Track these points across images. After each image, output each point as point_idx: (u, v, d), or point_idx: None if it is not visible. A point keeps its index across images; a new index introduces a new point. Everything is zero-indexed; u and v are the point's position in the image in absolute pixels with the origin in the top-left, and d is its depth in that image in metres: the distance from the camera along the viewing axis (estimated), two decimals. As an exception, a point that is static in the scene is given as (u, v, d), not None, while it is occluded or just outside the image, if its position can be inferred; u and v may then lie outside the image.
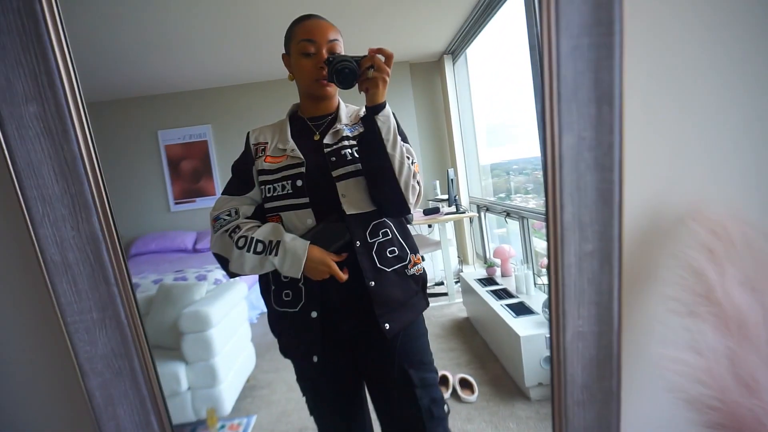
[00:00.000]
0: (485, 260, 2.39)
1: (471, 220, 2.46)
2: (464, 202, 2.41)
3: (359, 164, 0.95)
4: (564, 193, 0.67)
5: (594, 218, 0.67)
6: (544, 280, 1.76)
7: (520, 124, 1.96)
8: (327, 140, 0.97)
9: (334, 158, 0.95)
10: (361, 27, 1.70)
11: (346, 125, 1.00)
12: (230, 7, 1.74)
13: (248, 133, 1.05)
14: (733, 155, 0.76)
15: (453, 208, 2.26)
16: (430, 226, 2.39)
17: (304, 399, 1.08)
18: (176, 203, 2.26)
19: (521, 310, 1.85)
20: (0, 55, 0.61)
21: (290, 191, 0.95)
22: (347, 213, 0.94)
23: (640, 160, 0.73)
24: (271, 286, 0.99)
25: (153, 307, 1.87)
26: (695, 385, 0.66)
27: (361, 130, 0.95)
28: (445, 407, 1.04)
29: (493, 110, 2.28)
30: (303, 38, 0.96)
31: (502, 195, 2.17)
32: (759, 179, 0.77)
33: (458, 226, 2.48)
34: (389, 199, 0.94)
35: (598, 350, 0.71)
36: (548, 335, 0.73)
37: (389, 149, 0.90)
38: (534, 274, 1.94)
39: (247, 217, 0.99)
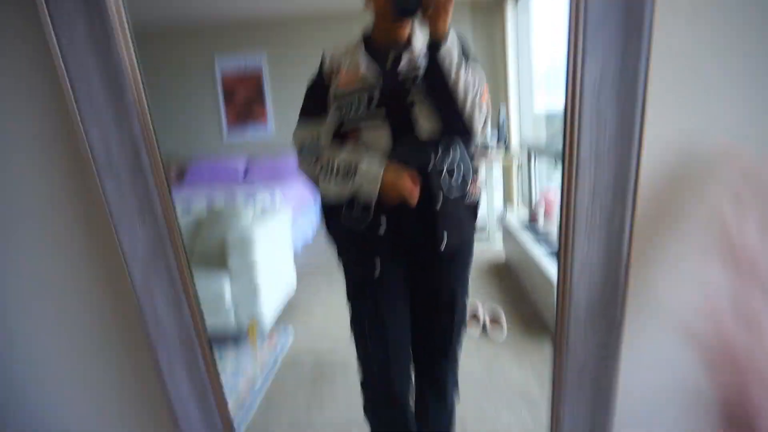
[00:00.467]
0: (530, 205, 2.37)
1: (520, 165, 2.42)
2: (515, 144, 2.35)
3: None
4: (583, 122, 0.65)
5: (612, 150, 0.66)
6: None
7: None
8: (400, 66, 1.01)
9: (405, 84, 0.99)
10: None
11: (418, 51, 1.02)
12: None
13: (323, 54, 1.09)
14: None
15: (502, 150, 2.22)
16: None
17: (349, 319, 1.16)
18: (229, 132, 2.33)
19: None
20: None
21: (364, 114, 1.00)
22: (419, 138, 0.99)
23: (668, 98, 0.70)
24: (341, 203, 1.05)
25: (202, 228, 2.00)
26: (695, 320, 0.66)
27: None
28: None
29: (554, 55, 2.17)
30: None
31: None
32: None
33: (506, 170, 2.44)
34: (457, 123, 0.98)
35: (606, 280, 0.72)
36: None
37: (453, 77, 0.93)
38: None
39: (327, 139, 1.06)
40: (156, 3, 1.83)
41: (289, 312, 2.02)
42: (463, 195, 1.07)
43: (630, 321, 0.73)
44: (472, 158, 1.10)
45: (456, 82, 0.93)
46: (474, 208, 1.12)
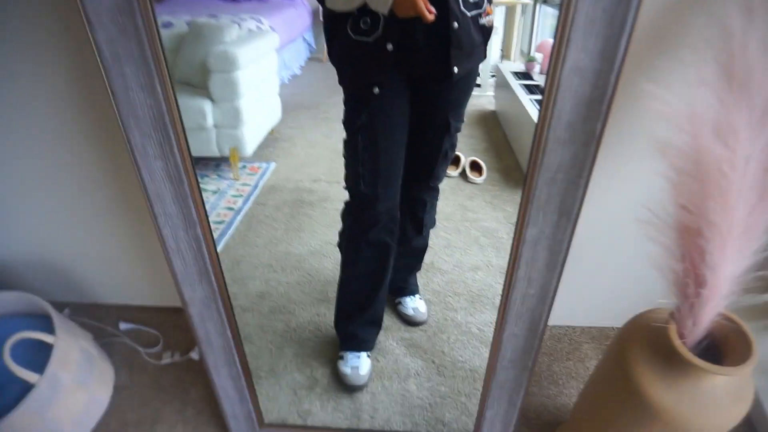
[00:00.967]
0: (528, 55, 2.27)
1: (524, 8, 2.26)
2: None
3: None
4: None
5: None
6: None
7: None
8: None
9: None
10: None
11: None
12: None
13: None
14: None
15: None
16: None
17: (343, 143, 1.13)
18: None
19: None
20: None
21: None
22: None
23: None
24: (350, 13, 0.98)
25: (184, 44, 1.88)
26: (673, 128, 0.65)
27: None
28: None
29: None
30: None
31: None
32: None
33: (509, 14, 2.29)
34: None
35: (593, 89, 0.70)
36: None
37: None
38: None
39: None
40: None
41: (271, 143, 2.00)
42: (479, 14, 1.01)
43: (608, 133, 0.72)
44: None
45: None
46: (488, 31, 1.06)
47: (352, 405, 1.33)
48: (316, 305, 1.59)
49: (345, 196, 1.24)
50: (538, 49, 2.17)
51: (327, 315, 1.54)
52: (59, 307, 1.35)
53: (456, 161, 1.90)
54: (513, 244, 0.88)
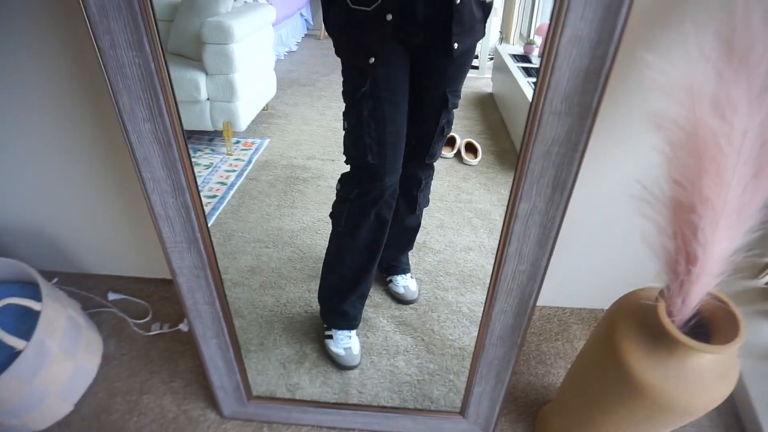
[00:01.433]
0: (528, 38, 2.25)
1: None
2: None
3: None
4: None
5: None
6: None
7: None
8: None
9: None
10: None
11: None
12: None
13: None
14: None
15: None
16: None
17: (342, 115, 1.11)
18: None
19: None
20: None
21: None
22: None
23: None
24: None
25: (178, 14, 1.84)
26: (671, 101, 0.65)
27: None
28: None
29: None
30: None
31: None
32: None
33: (509, -2, 2.27)
34: None
35: (591, 60, 0.68)
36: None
37: None
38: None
39: None
40: None
41: (265, 119, 1.98)
42: None
43: (604, 106, 0.71)
44: None
45: None
46: (488, 7, 1.05)
47: (340, 380, 1.33)
48: (307, 281, 1.58)
49: (338, 174, 1.21)
50: (538, 32, 2.15)
51: (317, 291, 1.53)
52: (48, 276, 1.34)
53: (451, 142, 1.89)
54: (505, 218, 0.88)
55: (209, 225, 0.97)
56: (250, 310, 1.50)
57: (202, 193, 0.93)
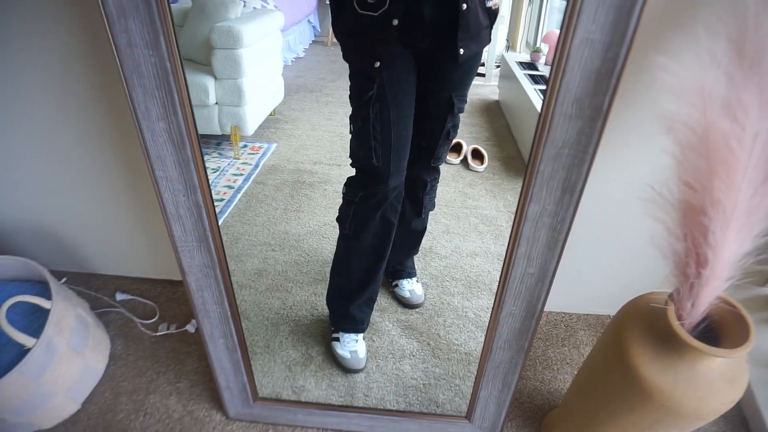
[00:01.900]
0: (534, 45, 2.26)
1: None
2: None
3: None
4: None
5: None
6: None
7: None
8: None
9: None
10: None
11: None
12: None
13: None
14: None
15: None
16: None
17: (349, 119, 1.12)
18: None
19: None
20: None
21: None
22: None
23: None
24: None
25: (188, 20, 1.86)
26: (682, 103, 0.65)
27: None
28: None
29: None
30: None
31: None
32: None
33: (516, 4, 2.28)
34: None
35: (603, 62, 0.69)
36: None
37: None
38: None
39: None
40: None
41: (273, 124, 1.99)
42: None
43: (616, 107, 0.72)
44: None
45: None
46: (494, 14, 1.07)
47: (346, 383, 1.33)
48: (313, 285, 1.59)
49: (345, 178, 1.22)
50: (544, 40, 2.16)
51: (323, 294, 1.53)
52: (57, 276, 1.34)
53: (458, 149, 1.90)
54: (514, 220, 0.88)
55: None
56: (256, 312, 1.50)
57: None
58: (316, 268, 1.63)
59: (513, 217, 0.89)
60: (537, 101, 1.78)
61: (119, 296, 1.61)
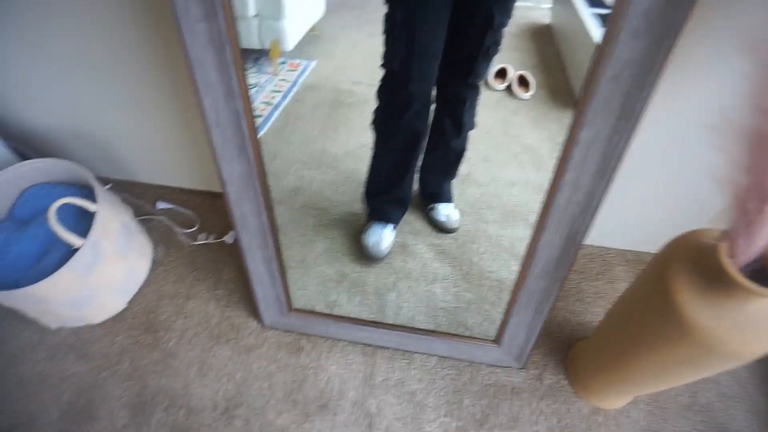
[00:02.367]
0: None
1: None
2: None
3: None
4: None
5: None
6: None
7: None
8: None
9: None
10: None
11: None
12: None
13: None
14: None
15: None
16: None
17: (384, 19, 1.09)
18: None
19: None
20: None
21: None
22: None
23: None
24: None
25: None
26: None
27: None
28: None
29: None
30: None
31: None
32: None
33: None
34: None
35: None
36: None
37: None
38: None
39: None
40: None
41: (312, 43, 1.92)
42: None
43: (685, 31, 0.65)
44: None
45: None
46: None
47: (378, 301, 1.36)
48: (349, 204, 1.59)
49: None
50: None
51: (359, 215, 1.54)
52: (102, 182, 1.38)
53: (503, 74, 1.80)
54: (565, 144, 0.84)
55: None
56: (292, 228, 1.52)
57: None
58: (352, 188, 1.62)
59: (557, 147, 0.85)
60: (593, 27, 1.65)
61: (160, 205, 1.66)
